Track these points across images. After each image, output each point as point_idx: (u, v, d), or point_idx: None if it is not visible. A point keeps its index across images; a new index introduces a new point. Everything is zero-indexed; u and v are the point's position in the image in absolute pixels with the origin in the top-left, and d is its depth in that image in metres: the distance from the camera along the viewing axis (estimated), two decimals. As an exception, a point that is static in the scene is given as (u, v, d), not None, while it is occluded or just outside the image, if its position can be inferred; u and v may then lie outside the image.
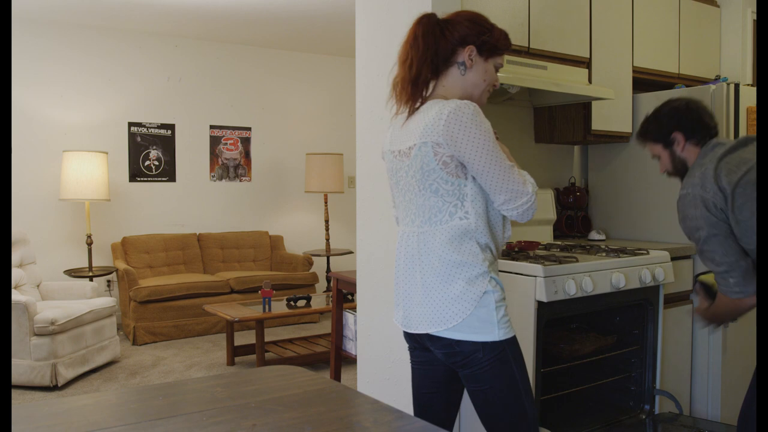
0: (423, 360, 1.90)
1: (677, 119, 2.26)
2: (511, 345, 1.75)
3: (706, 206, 2.06)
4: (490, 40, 1.82)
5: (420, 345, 1.87)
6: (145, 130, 6.33)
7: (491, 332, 1.71)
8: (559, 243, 3.22)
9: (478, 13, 1.88)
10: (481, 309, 1.71)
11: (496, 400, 1.76)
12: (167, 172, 6.47)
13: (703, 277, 2.33)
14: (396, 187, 1.89)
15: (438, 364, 1.86)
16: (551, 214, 3.50)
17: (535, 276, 2.48)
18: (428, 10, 2.42)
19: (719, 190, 2.05)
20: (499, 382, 1.74)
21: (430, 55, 1.79)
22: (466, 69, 1.82)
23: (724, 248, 2.04)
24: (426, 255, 1.77)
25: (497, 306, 1.73)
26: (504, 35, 1.86)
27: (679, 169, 2.28)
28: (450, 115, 1.69)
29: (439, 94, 1.82)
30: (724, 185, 2.04)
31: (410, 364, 1.98)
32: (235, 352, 4.90)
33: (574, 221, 3.69)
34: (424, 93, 1.82)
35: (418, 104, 1.82)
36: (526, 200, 1.72)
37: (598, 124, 3.37)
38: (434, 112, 1.73)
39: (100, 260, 6.08)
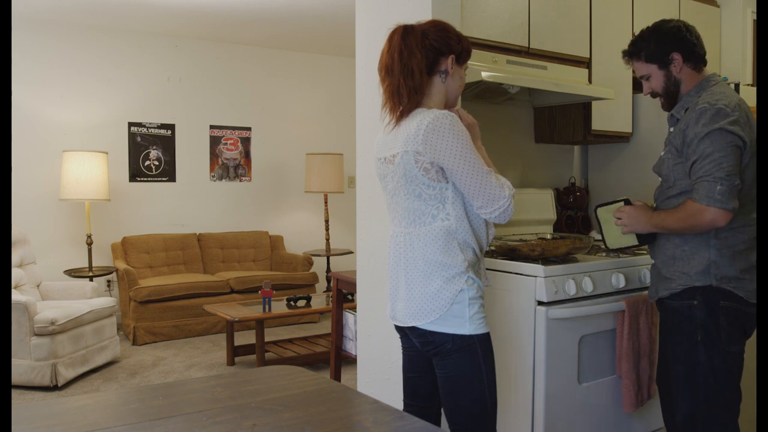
0: (408, 347, 2.06)
1: (679, 40, 2.23)
2: (481, 340, 1.86)
3: (747, 115, 2.09)
4: (464, 48, 1.94)
5: (405, 334, 2.02)
6: (145, 130, 6.33)
7: (462, 326, 1.84)
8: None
9: (441, 21, 1.97)
10: (456, 305, 1.84)
11: (459, 389, 1.87)
12: (167, 172, 6.47)
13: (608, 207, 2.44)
14: (385, 191, 2.01)
15: (421, 351, 1.99)
16: (551, 214, 3.50)
17: (536, 276, 2.48)
18: (428, 10, 2.43)
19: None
20: (464, 372, 1.86)
21: (425, 64, 1.88)
22: (447, 77, 1.92)
23: (736, 157, 2.04)
24: (411, 254, 1.89)
25: (470, 303, 1.84)
26: (468, 41, 1.97)
27: (671, 91, 2.26)
28: (429, 125, 1.80)
29: (423, 103, 1.90)
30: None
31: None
32: (235, 352, 4.90)
33: (574, 221, 3.69)
34: (422, 101, 1.90)
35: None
36: (501, 204, 1.82)
37: (598, 124, 3.37)
38: (416, 122, 1.83)
39: (100, 260, 6.08)
